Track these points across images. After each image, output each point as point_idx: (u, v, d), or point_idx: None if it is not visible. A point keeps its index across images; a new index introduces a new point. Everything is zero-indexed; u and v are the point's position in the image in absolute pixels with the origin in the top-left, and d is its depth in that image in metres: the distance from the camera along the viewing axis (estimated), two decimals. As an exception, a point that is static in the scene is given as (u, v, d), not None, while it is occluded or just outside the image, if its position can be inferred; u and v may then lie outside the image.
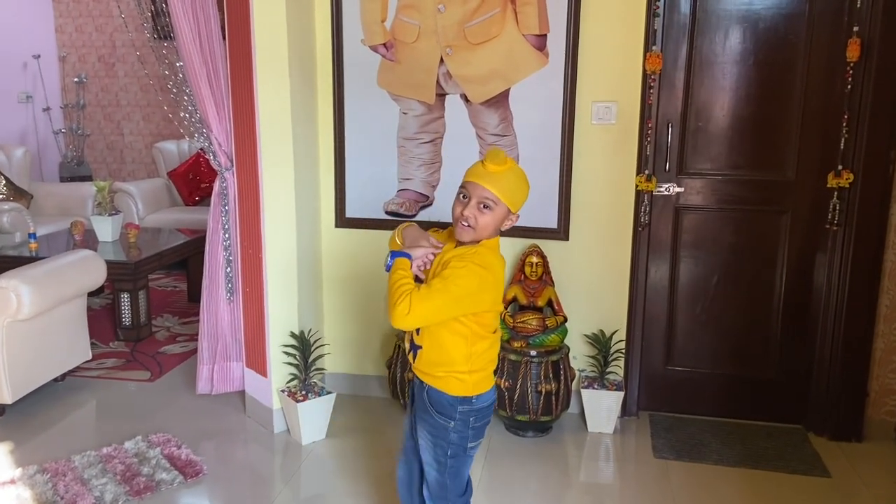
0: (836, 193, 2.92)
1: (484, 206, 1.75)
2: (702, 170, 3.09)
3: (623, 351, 3.17)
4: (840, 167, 2.89)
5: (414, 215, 3.25)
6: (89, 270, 3.48)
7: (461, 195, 1.78)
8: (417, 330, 1.85)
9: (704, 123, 3.05)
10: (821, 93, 2.92)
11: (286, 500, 2.63)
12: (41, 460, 2.81)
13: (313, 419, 3.00)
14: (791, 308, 3.11)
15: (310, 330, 3.10)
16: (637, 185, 3.05)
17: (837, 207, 2.92)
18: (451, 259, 1.77)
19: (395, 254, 1.81)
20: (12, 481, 2.65)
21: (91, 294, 4.90)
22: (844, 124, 2.86)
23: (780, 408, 3.18)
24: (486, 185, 1.74)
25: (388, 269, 1.80)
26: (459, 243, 1.82)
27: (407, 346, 1.92)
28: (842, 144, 2.88)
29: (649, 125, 3.00)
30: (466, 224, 1.76)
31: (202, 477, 2.74)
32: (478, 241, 1.80)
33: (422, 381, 1.89)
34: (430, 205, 3.24)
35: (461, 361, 1.82)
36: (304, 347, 3.01)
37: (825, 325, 3.04)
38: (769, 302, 3.13)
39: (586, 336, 3.18)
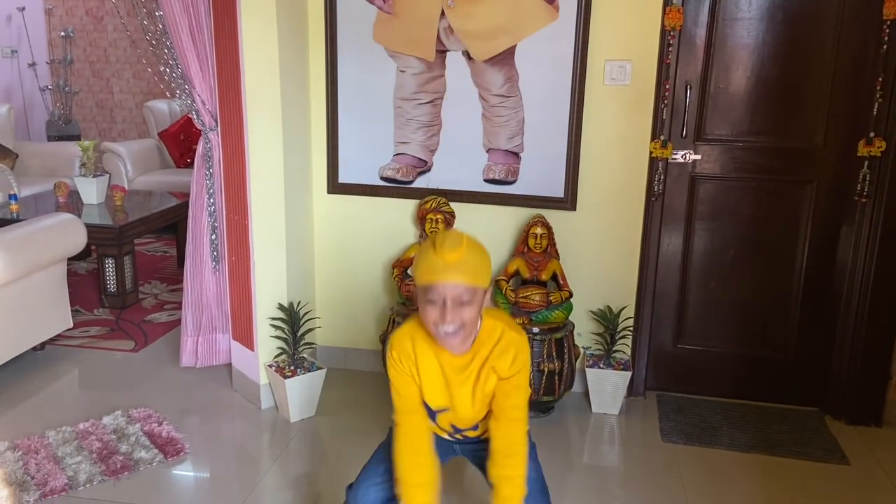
0: (866, 163, 2.71)
1: (462, 303, 1.50)
2: (721, 136, 2.88)
3: (631, 328, 3.00)
4: (872, 134, 2.68)
5: (411, 181, 3.05)
6: (68, 235, 3.29)
7: (427, 300, 1.51)
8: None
9: (725, 85, 2.83)
10: (853, 53, 2.69)
11: (273, 480, 2.48)
12: (13, 436, 2.66)
13: (302, 395, 2.84)
14: (812, 285, 2.92)
15: (299, 302, 2.92)
16: (651, 152, 2.84)
17: (867, 178, 2.72)
18: (501, 358, 1.61)
19: None
20: (-19, 459, 2.50)
21: (77, 258, 4.74)
22: (878, 88, 2.64)
23: (797, 390, 3.02)
24: (454, 279, 1.48)
25: None
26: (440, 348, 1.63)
27: (441, 434, 1.78)
28: (874, 110, 2.66)
29: (666, 87, 2.78)
30: (453, 330, 1.52)
31: (184, 455, 2.59)
32: (468, 338, 1.58)
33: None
34: (428, 170, 3.03)
35: None
36: (292, 320, 2.83)
37: (848, 304, 2.85)
38: (789, 278, 2.94)
39: (592, 312, 3.00)
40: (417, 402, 1.67)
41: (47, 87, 6.50)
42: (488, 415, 1.67)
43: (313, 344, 3.04)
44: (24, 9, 6.23)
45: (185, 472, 2.53)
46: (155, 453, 2.56)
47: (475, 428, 1.73)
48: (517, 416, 1.64)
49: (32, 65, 6.38)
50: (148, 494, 2.37)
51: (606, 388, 2.93)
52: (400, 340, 1.64)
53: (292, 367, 2.84)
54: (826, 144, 2.80)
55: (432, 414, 1.66)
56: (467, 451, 1.85)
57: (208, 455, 2.63)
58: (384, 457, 1.76)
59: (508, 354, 1.60)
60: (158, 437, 2.66)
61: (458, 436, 1.76)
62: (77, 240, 3.34)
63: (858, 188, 2.74)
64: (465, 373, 1.61)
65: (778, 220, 2.90)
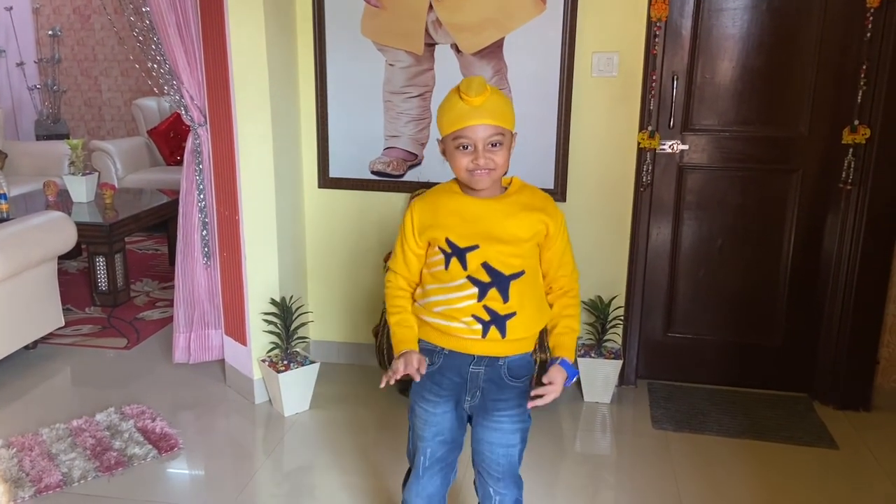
0: (850, 150, 2.74)
1: (494, 145, 1.53)
2: (708, 126, 2.90)
3: (622, 317, 3.02)
4: (856, 122, 2.70)
5: (402, 175, 3.06)
6: (58, 233, 3.29)
7: (460, 146, 1.53)
8: (493, 300, 1.58)
9: (711, 76, 2.85)
10: (837, 42, 2.72)
11: (267, 475, 2.50)
12: (7, 434, 2.66)
13: (296, 390, 2.85)
14: (799, 272, 2.95)
15: (291, 297, 2.93)
16: (639, 143, 2.86)
17: (852, 165, 2.75)
18: (530, 207, 1.60)
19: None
20: (-25, 457, 2.50)
21: (68, 257, 4.73)
22: (863, 76, 2.67)
23: (786, 376, 3.05)
24: (485, 120, 1.50)
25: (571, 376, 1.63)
26: (468, 192, 1.61)
27: (471, 325, 1.58)
28: (859, 97, 2.69)
29: (653, 78, 2.80)
30: (486, 170, 1.53)
31: (178, 451, 2.60)
32: (496, 185, 1.61)
33: (495, 359, 1.62)
34: (418, 164, 3.04)
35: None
36: (285, 315, 2.84)
37: (835, 290, 2.89)
38: (776, 265, 2.97)
39: (583, 302, 3.02)
40: (418, 272, 1.67)
41: (35, 86, 6.48)
42: (533, 298, 1.62)
43: (306, 338, 3.05)
44: (11, 8, 6.20)
45: (179, 467, 2.53)
46: (149, 449, 2.57)
47: (506, 288, 1.57)
48: (576, 302, 1.67)
49: (20, 64, 6.35)
50: (142, 490, 2.38)
51: (598, 377, 2.95)
52: (418, 209, 1.64)
53: (285, 362, 2.85)
54: (811, 133, 2.82)
55: (462, 256, 1.56)
56: (484, 383, 1.66)
57: (202, 450, 2.63)
58: (426, 442, 1.70)
59: (547, 203, 1.63)
60: (152, 433, 2.66)
61: (486, 308, 1.58)
62: (67, 238, 3.34)
63: (843, 175, 2.77)
64: (497, 209, 1.59)
65: (765, 209, 2.93)
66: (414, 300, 1.69)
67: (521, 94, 2.88)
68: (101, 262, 3.97)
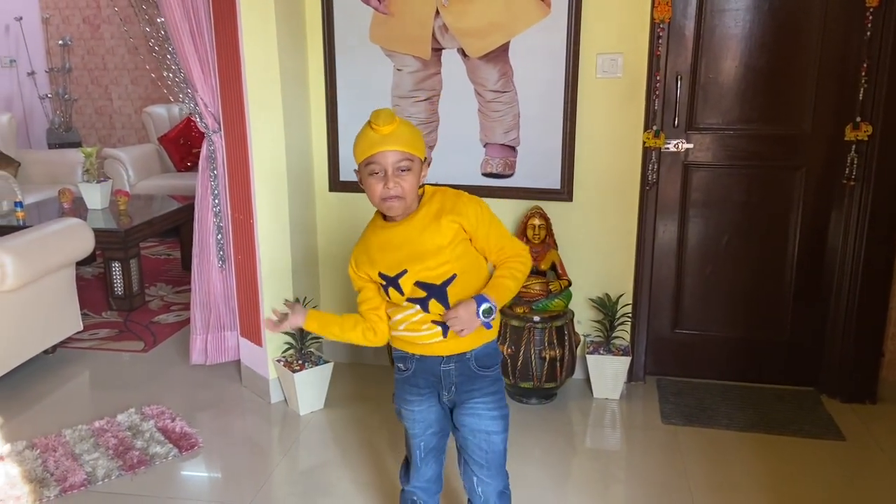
0: (853, 147, 2.79)
1: (402, 170, 1.59)
2: (712, 124, 2.95)
3: (629, 315, 3.07)
4: (858, 119, 2.75)
5: (411, 177, 3.11)
6: (76, 239, 3.36)
7: (370, 173, 1.60)
8: (437, 308, 1.66)
9: (715, 75, 2.90)
10: (839, 40, 2.76)
11: (284, 472, 2.56)
12: (31, 435, 2.73)
13: (310, 389, 2.91)
14: (804, 267, 3.00)
15: (305, 297, 2.99)
16: (644, 142, 2.91)
17: (855, 162, 2.79)
18: (439, 213, 1.64)
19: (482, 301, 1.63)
20: (1, 458, 2.56)
21: (83, 263, 4.80)
22: (863, 74, 2.71)
23: (792, 370, 3.09)
24: (393, 147, 1.58)
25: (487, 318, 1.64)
26: (388, 219, 1.69)
27: (431, 329, 1.69)
28: (860, 95, 2.73)
29: (657, 78, 2.85)
30: (395, 197, 1.60)
31: (198, 450, 2.66)
32: (410, 209, 1.66)
33: (462, 354, 1.72)
34: (427, 165, 3.09)
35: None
36: (299, 316, 2.90)
37: (840, 284, 2.93)
38: (781, 261, 3.01)
39: (591, 300, 3.08)
40: (375, 297, 1.74)
41: (47, 95, 6.57)
42: (455, 279, 1.65)
43: (320, 339, 3.11)
44: (21, 18, 6.29)
45: (199, 465, 2.60)
46: (169, 448, 2.63)
47: (444, 295, 1.65)
48: (521, 260, 1.70)
49: (31, 74, 6.45)
50: (165, 487, 2.44)
51: (607, 373, 3.00)
52: (355, 250, 1.75)
53: (300, 362, 2.91)
54: (814, 130, 2.87)
55: (395, 284, 1.66)
56: (458, 382, 1.75)
57: (221, 449, 2.70)
58: (418, 437, 1.83)
59: (456, 201, 1.66)
60: (172, 432, 2.73)
61: (431, 314, 1.67)
62: (85, 244, 3.41)
63: (846, 172, 2.81)
64: (413, 227, 1.65)
65: (769, 206, 2.97)
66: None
67: (526, 96, 2.94)
68: (116, 267, 4.05)
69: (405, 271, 1.64)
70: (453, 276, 1.64)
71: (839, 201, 2.89)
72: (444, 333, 1.68)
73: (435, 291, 1.65)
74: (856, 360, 2.93)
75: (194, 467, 2.58)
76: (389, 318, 1.75)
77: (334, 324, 1.78)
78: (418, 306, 1.67)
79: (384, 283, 1.68)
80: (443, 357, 1.73)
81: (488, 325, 1.64)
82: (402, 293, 1.66)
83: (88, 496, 2.38)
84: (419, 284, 1.65)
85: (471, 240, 1.68)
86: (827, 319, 2.99)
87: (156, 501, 2.37)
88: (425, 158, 1.67)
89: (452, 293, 1.65)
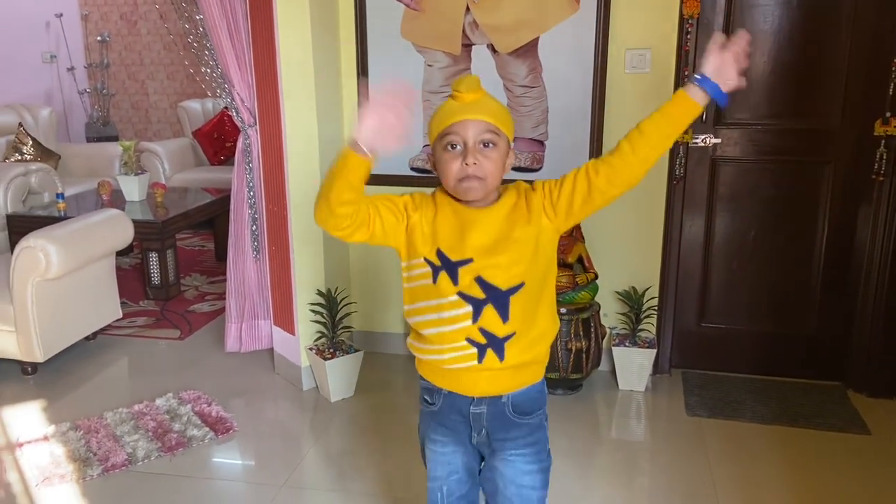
0: (883, 142, 2.78)
1: (485, 144, 1.34)
2: (740, 120, 2.96)
3: (655, 308, 3.10)
4: (888, 114, 2.75)
5: (440, 171, 3.17)
6: (117, 229, 3.48)
7: (447, 146, 1.35)
8: (490, 319, 1.38)
9: (743, 71, 2.90)
10: (868, 35, 2.76)
11: (316, 457, 2.64)
12: (74, 417, 2.84)
13: (341, 377, 2.99)
14: (832, 262, 3.00)
15: (336, 288, 3.07)
16: (672, 137, 2.93)
17: (884, 157, 2.79)
18: (522, 206, 1.39)
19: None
20: (45, 438, 2.68)
21: (121, 254, 4.94)
22: (893, 69, 2.71)
23: (819, 365, 3.10)
24: (477, 115, 1.33)
25: None
26: (460, 204, 1.40)
27: (465, 350, 1.40)
28: (890, 90, 2.73)
29: (685, 73, 2.87)
30: (475, 177, 1.34)
31: (233, 433, 2.75)
32: (490, 195, 1.40)
33: (497, 398, 1.45)
34: (456, 160, 3.16)
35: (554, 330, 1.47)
36: (331, 305, 2.98)
37: (868, 279, 2.93)
38: (809, 256, 3.02)
39: (618, 293, 3.11)
40: (389, 214, 1.40)
41: (85, 90, 6.74)
42: (523, 289, 1.38)
43: (350, 327, 3.19)
44: (61, 15, 6.46)
45: (234, 448, 2.69)
46: (206, 431, 2.73)
47: (505, 304, 1.37)
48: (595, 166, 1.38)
49: (71, 69, 6.62)
50: (202, 468, 2.54)
51: (632, 365, 3.04)
52: (423, 194, 1.46)
53: (331, 350, 2.99)
54: (843, 125, 2.87)
55: (453, 270, 1.37)
56: (491, 428, 1.48)
57: (255, 433, 2.79)
58: (439, 481, 1.55)
59: (519, 186, 1.43)
60: (208, 416, 2.83)
61: (481, 330, 1.39)
62: (125, 234, 3.53)
63: (875, 167, 2.81)
64: (494, 218, 1.39)
65: (797, 201, 2.98)
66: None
67: (555, 90, 2.98)
68: (153, 257, 4.17)
69: (470, 260, 1.37)
70: (521, 285, 1.37)
71: (868, 197, 2.88)
72: (481, 357, 1.39)
73: (497, 297, 1.37)
74: (883, 355, 2.93)
75: (229, 450, 2.68)
76: (415, 313, 1.46)
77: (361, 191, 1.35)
78: (469, 307, 1.38)
79: (439, 263, 1.39)
80: (473, 398, 1.45)
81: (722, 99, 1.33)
82: (455, 282, 1.38)
83: (129, 475, 2.49)
84: (481, 282, 1.37)
85: (554, 210, 1.38)
86: (854, 314, 2.99)
87: (193, 482, 2.46)
88: (512, 142, 1.42)
89: (516, 305, 1.38)
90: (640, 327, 3.07)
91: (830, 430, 2.73)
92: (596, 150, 2.99)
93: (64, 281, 3.19)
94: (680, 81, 2.87)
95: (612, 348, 3.05)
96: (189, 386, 3.11)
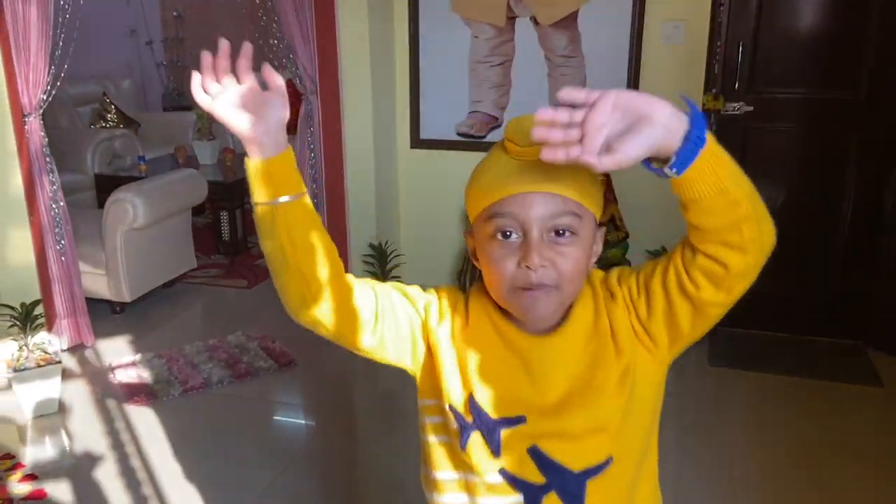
0: (908, 110, 2.89)
1: (559, 233, 0.86)
2: (772, 89, 3.10)
3: (684, 266, 3.28)
4: (914, 83, 2.85)
5: (484, 136, 3.42)
6: (193, 187, 3.86)
7: (497, 233, 0.87)
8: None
9: (776, 42, 3.05)
10: (899, 7, 2.87)
11: (367, 391, 2.97)
12: (157, 349, 3.24)
13: (390, 322, 3.29)
14: (857, 227, 3.12)
15: (387, 241, 3.37)
16: (704, 104, 3.10)
17: (909, 124, 2.90)
18: (602, 322, 0.91)
19: None
20: (133, 364, 3.08)
21: (194, 214, 5.36)
22: (921, 39, 2.81)
23: (842, 324, 3.23)
24: (548, 187, 0.85)
25: None
26: (510, 323, 0.91)
27: None
28: (917, 60, 2.83)
29: (718, 44, 3.03)
30: (542, 285, 0.85)
31: (294, 366, 3.10)
32: (562, 308, 0.90)
33: None
34: (499, 126, 3.40)
35: None
36: (381, 257, 3.29)
37: (891, 242, 3.05)
38: (835, 221, 3.15)
39: (649, 252, 3.31)
40: (390, 313, 0.95)
41: (162, 62, 7.21)
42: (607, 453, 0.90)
43: (400, 277, 3.49)
44: (141, -8, 6.92)
45: (295, 377, 3.05)
46: (271, 363, 3.08)
47: (579, 494, 0.90)
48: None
49: (149, 43, 7.09)
50: (268, 393, 2.90)
51: (660, 320, 3.23)
52: (457, 293, 0.99)
53: (382, 297, 3.29)
54: (872, 95, 2.98)
55: (493, 432, 0.90)
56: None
57: (313, 367, 3.13)
58: None
59: (605, 282, 0.94)
60: (273, 351, 3.18)
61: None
62: (200, 192, 3.90)
63: (901, 134, 2.93)
64: (559, 348, 0.90)
65: (826, 168, 3.11)
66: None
67: (592, 61, 3.18)
68: (224, 216, 4.55)
69: (522, 419, 0.90)
70: (606, 462, 0.90)
71: (894, 161, 3.00)
72: None
73: (565, 481, 0.90)
74: (904, 316, 3.06)
75: (292, 378, 3.03)
76: (437, 478, 0.97)
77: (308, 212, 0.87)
78: (520, 496, 0.91)
79: (471, 418, 0.91)
80: None
81: (660, 173, 0.81)
82: (496, 453, 0.91)
83: (205, 396, 2.86)
84: (539, 457, 0.90)
85: (649, 312, 0.90)
86: (878, 275, 3.12)
87: (260, 403, 2.82)
88: (602, 219, 0.92)
89: (595, 494, 0.90)
90: (668, 284, 3.26)
91: (845, 382, 2.90)
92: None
93: (148, 231, 3.59)
94: (713, 51, 3.03)
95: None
96: (256, 327, 3.48)
